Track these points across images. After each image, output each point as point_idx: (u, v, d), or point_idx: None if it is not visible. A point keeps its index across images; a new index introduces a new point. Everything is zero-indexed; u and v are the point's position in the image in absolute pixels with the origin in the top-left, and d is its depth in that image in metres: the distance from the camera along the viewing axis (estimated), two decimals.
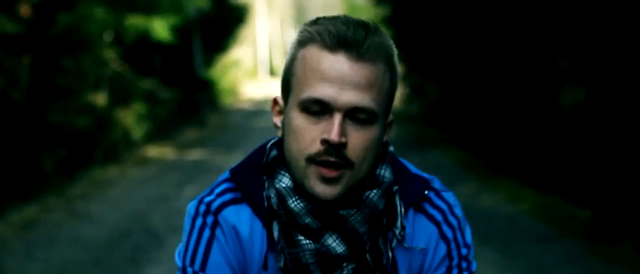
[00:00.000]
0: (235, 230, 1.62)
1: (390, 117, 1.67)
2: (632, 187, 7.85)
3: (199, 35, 20.85)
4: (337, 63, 1.54)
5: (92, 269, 6.54)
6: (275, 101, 1.67)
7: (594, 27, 8.91)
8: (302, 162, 1.57)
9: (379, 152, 1.64)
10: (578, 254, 6.87)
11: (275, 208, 1.61)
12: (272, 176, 1.64)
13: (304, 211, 1.58)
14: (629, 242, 7.02)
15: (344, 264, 1.59)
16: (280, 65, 58.85)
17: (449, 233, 1.67)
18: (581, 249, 7.04)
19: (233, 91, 31.18)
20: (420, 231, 1.66)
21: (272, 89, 37.57)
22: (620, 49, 8.43)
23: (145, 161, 13.84)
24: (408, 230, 1.65)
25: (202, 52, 21.56)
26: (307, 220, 1.58)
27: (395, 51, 1.62)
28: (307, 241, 1.58)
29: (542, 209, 8.64)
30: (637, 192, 7.72)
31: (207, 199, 1.65)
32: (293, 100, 1.59)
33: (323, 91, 1.54)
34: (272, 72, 50.43)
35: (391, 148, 1.70)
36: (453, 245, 1.67)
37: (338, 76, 1.54)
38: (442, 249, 1.67)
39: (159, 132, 16.94)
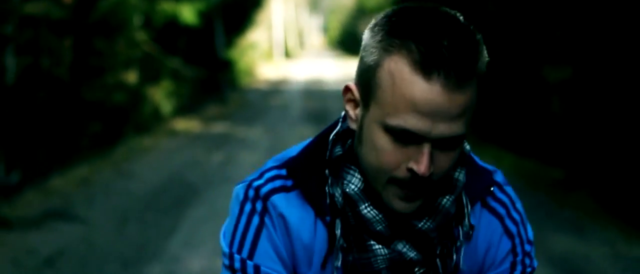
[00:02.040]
0: (284, 219, 1.54)
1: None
2: (600, 151, 9.25)
3: (220, 19, 22.31)
4: (433, 95, 1.37)
5: (145, 212, 8.07)
6: (348, 89, 1.51)
7: (580, 13, 10.25)
8: (383, 179, 1.46)
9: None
10: (543, 202, 8.34)
11: (339, 206, 1.52)
12: (338, 175, 1.54)
13: (376, 218, 1.50)
14: (585, 190, 8.52)
15: (416, 269, 1.54)
16: (294, 47, 60.16)
17: (513, 228, 1.60)
18: (548, 199, 8.51)
19: (250, 72, 32.56)
20: (483, 225, 1.59)
21: (286, 70, 38.96)
22: (602, 32, 9.76)
23: (175, 132, 15.35)
24: (473, 222, 1.58)
25: (223, 34, 23.04)
26: (379, 228, 1.51)
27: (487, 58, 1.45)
28: (379, 246, 1.52)
29: (520, 170, 10.11)
30: (603, 155, 9.13)
31: (256, 183, 1.56)
32: (376, 114, 1.44)
33: (415, 124, 1.39)
34: (287, 54, 51.78)
35: (467, 147, 1.58)
36: (517, 241, 1.60)
37: (433, 110, 1.38)
38: (507, 244, 1.59)
39: (185, 108, 18.45)
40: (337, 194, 1.52)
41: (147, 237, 6.99)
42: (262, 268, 1.54)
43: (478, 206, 1.59)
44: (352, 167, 1.52)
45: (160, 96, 17.05)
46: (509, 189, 1.62)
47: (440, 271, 1.55)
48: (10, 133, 10.34)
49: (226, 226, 1.59)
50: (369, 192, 1.51)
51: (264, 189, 1.54)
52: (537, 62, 11.89)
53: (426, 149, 1.41)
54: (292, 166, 1.56)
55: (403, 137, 1.41)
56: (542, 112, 11.45)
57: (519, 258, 1.60)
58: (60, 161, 11.14)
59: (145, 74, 16.67)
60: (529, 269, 1.61)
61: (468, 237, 1.57)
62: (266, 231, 1.54)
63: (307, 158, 1.57)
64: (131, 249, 6.58)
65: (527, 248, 1.61)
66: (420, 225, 1.51)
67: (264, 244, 1.54)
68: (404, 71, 1.38)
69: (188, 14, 15.72)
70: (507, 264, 1.59)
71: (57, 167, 10.72)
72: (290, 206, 1.55)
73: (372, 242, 1.52)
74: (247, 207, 1.55)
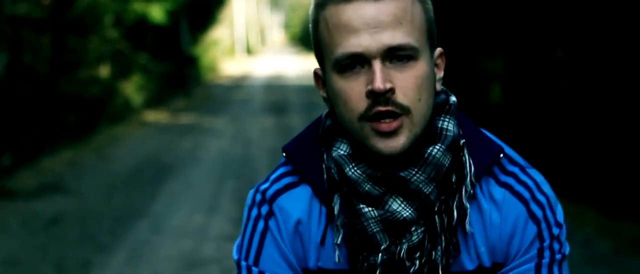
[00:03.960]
0: (291, 219, 1.54)
1: (439, 49, 1.54)
2: (535, 134, 10.65)
3: (185, 17, 23.59)
4: (358, 10, 1.44)
5: (128, 185, 9.39)
6: (316, 74, 1.56)
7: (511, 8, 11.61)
8: (357, 124, 1.46)
9: (439, 103, 1.53)
10: None
11: (336, 178, 1.51)
12: (330, 146, 1.53)
13: (362, 177, 1.48)
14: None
15: (413, 229, 1.47)
16: (255, 44, 61.36)
17: (538, 212, 1.50)
18: None
19: (213, 68, 33.75)
20: (507, 210, 1.51)
21: (248, 66, 40.19)
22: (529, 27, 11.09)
23: (145, 123, 16.63)
24: (487, 205, 1.51)
25: (188, 31, 24.32)
26: (367, 187, 1.47)
27: None
28: (369, 209, 1.47)
29: None
30: (537, 138, 10.53)
31: (263, 186, 1.57)
32: (328, 64, 1.49)
33: (353, 44, 1.43)
34: (249, 51, 52.92)
35: (453, 99, 1.55)
36: (544, 225, 1.50)
37: (362, 22, 1.43)
38: (532, 229, 1.50)
39: (154, 101, 19.72)
40: (332, 166, 1.52)
41: (133, 202, 8.32)
42: None
43: (497, 186, 1.52)
44: (340, 137, 1.53)
45: (131, 90, 18.32)
46: (532, 172, 1.55)
47: (439, 230, 1.48)
48: (1, 121, 11.59)
49: (240, 235, 1.61)
50: (358, 154, 1.50)
51: (270, 192, 1.56)
52: (476, 54, 13.22)
53: (375, 65, 1.43)
54: (290, 151, 1.57)
55: (352, 64, 1.44)
56: (482, 102, 12.83)
57: (546, 243, 1.50)
58: (46, 146, 12.40)
59: (117, 69, 17.94)
60: (558, 256, 1.51)
61: (472, 198, 1.50)
62: (270, 236, 1.54)
63: (303, 139, 1.59)
64: (120, 211, 7.91)
65: (555, 231, 1.51)
66: (407, 176, 1.46)
67: (269, 249, 1.54)
68: (333, 9, 1.46)
69: (157, 13, 17.01)
70: (534, 251, 1.50)
71: (44, 151, 11.98)
72: (297, 204, 1.54)
73: (361, 205, 1.48)
74: (254, 212, 1.56)
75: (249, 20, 57.02)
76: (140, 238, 6.87)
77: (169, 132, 14.95)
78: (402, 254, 1.47)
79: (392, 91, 1.43)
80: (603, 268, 5.75)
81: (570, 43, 9.30)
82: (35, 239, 6.96)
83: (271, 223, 1.54)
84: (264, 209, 1.55)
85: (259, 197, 1.56)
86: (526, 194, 1.51)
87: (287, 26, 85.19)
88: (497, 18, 11.77)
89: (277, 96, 22.37)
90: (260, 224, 1.55)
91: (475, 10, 12.65)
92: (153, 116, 17.69)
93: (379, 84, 1.41)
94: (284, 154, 1.57)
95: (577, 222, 6.82)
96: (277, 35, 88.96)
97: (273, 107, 19.09)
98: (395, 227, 1.47)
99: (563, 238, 1.53)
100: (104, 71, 17.27)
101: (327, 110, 1.59)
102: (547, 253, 1.50)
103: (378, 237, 1.47)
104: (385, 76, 1.43)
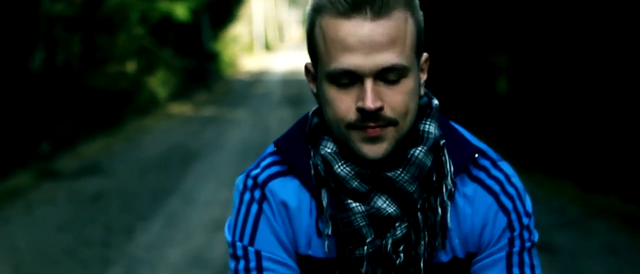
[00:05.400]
0: (282, 203, 1.62)
1: (424, 55, 1.60)
2: (538, 122, 11.52)
3: (207, 14, 24.62)
4: (355, 28, 1.48)
5: (159, 167, 10.41)
6: (307, 69, 1.63)
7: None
8: (344, 129, 1.54)
9: (422, 106, 1.62)
10: None
11: (322, 174, 1.59)
12: (317, 143, 1.62)
13: (350, 175, 1.56)
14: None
15: (397, 224, 1.56)
16: (274, 40, 62.26)
17: (508, 204, 1.60)
18: None
19: (233, 64, 34.66)
20: (478, 203, 1.61)
21: (267, 62, 41.12)
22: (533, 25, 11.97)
23: (170, 115, 17.66)
24: (461, 201, 1.60)
25: (209, 28, 25.35)
26: (355, 184, 1.56)
27: None
28: (356, 204, 1.56)
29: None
30: (540, 126, 11.41)
31: (254, 172, 1.65)
32: (321, 71, 1.55)
33: (347, 61, 1.49)
34: (267, 47, 53.77)
35: (436, 102, 1.64)
36: (513, 216, 1.60)
37: (358, 41, 1.48)
38: (502, 220, 1.60)
39: (177, 94, 20.77)
40: (319, 163, 1.59)
41: (164, 181, 9.34)
42: (263, 253, 1.61)
43: (469, 181, 1.61)
44: (326, 136, 1.60)
45: (156, 84, 19.37)
46: (503, 165, 1.63)
47: (422, 226, 1.56)
48: (39, 113, 12.64)
49: (230, 217, 1.67)
50: (344, 153, 1.57)
51: (261, 177, 1.63)
52: (484, 49, 14.03)
53: (367, 84, 1.48)
54: (281, 145, 1.64)
55: (344, 79, 1.50)
56: (489, 93, 13.67)
57: (517, 232, 1.59)
58: (80, 136, 13.45)
59: (143, 64, 18.98)
60: (528, 244, 1.60)
61: (451, 196, 1.58)
62: (265, 218, 1.62)
63: (292, 135, 1.66)
64: (154, 188, 8.93)
65: (525, 220, 1.60)
66: (393, 176, 1.54)
67: (263, 230, 1.61)
68: (330, 21, 1.50)
69: (181, 11, 18.04)
70: (504, 241, 1.59)
71: (79, 140, 13.03)
72: (288, 190, 1.62)
73: (349, 200, 1.56)
74: (246, 196, 1.63)
75: (267, 17, 57.88)
76: (174, 209, 7.90)
77: (193, 123, 15.97)
78: (388, 248, 1.57)
79: (381, 108, 1.50)
80: (570, 229, 6.71)
81: (562, 43, 10.22)
82: (82, 210, 7.99)
83: (265, 206, 1.62)
84: (257, 193, 1.63)
85: (250, 182, 1.64)
86: (496, 187, 1.61)
87: (304, 23, 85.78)
88: (501, 15, 12.65)
89: (294, 89, 23.27)
90: (254, 207, 1.63)
91: (480, 8, 13.52)
92: (177, 109, 18.72)
93: (369, 103, 1.48)
94: (276, 148, 1.65)
95: (556, 193, 7.79)
96: (295, 31, 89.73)
97: (290, 100, 20.07)
98: (380, 222, 1.56)
99: (532, 226, 1.62)
100: (131, 66, 18.30)
101: (314, 107, 1.68)
102: (517, 242, 1.60)
103: (364, 231, 1.56)
104: (376, 94, 1.49)
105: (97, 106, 15.86)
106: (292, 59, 42.02)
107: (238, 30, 37.28)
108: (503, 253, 1.59)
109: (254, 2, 47.62)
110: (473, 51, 14.15)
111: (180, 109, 18.83)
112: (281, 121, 15.42)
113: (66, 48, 15.66)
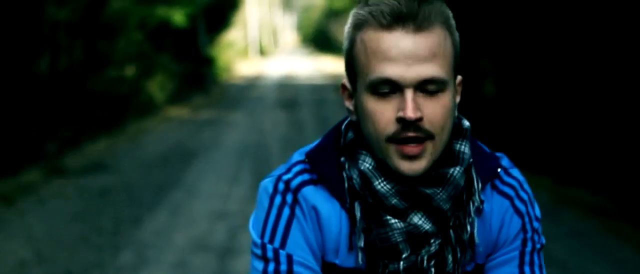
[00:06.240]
0: (314, 209, 1.64)
1: (459, 77, 1.66)
2: (521, 123, 12.15)
3: (203, 20, 25.24)
4: (397, 41, 1.54)
5: (161, 164, 11.03)
6: (343, 86, 1.67)
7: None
8: (383, 144, 1.57)
9: (455, 124, 1.65)
10: None
11: (357, 188, 1.62)
12: (353, 157, 1.64)
13: (391, 192, 1.60)
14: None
15: (431, 240, 1.62)
16: (268, 45, 62.82)
17: (521, 207, 1.69)
18: None
19: (228, 69, 35.12)
20: (495, 207, 1.69)
21: (261, 67, 41.62)
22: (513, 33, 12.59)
23: (169, 118, 18.27)
24: (486, 207, 1.68)
25: (205, 33, 25.97)
26: (394, 201, 1.60)
27: (450, 13, 1.62)
28: (395, 220, 1.60)
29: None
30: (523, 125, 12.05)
31: (286, 176, 1.66)
32: (361, 84, 1.59)
33: (389, 70, 1.54)
34: (262, 52, 54.29)
35: (467, 124, 1.68)
36: (526, 219, 1.69)
37: (400, 53, 1.54)
38: (517, 222, 1.69)
39: (174, 98, 21.38)
40: (354, 176, 1.62)
41: (167, 177, 9.97)
42: (295, 257, 1.63)
43: (488, 188, 1.69)
44: (364, 150, 1.63)
45: (154, 88, 19.98)
46: (515, 172, 1.72)
47: (453, 242, 1.63)
48: (46, 114, 13.24)
49: (255, 218, 1.68)
50: (382, 169, 1.61)
51: (294, 182, 1.65)
52: (473, 53, 14.64)
53: (408, 94, 1.53)
54: (312, 156, 1.67)
55: (385, 88, 1.55)
56: (477, 96, 14.30)
57: (529, 234, 1.69)
58: (84, 136, 14.05)
59: (141, 68, 19.57)
60: (538, 245, 1.70)
61: (479, 212, 1.66)
62: (297, 222, 1.63)
63: (324, 147, 1.69)
64: (158, 183, 9.55)
65: (536, 225, 1.70)
66: (432, 194, 1.59)
67: (295, 234, 1.63)
68: (371, 34, 1.56)
69: (178, 17, 18.67)
70: (518, 241, 1.69)
71: (83, 140, 13.63)
72: (319, 198, 1.64)
73: (388, 217, 1.60)
74: (278, 199, 1.64)
75: (262, 22, 58.40)
76: (178, 201, 8.53)
77: (191, 124, 16.59)
78: (424, 264, 1.62)
79: (420, 119, 1.54)
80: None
81: (542, 49, 10.86)
82: (92, 203, 8.60)
83: (297, 211, 1.63)
84: (289, 197, 1.64)
85: (282, 185, 1.64)
86: (511, 192, 1.69)
87: (299, 28, 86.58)
88: (487, 19, 13.27)
89: (288, 94, 23.86)
90: (286, 211, 1.63)
91: (467, 12, 14.14)
92: (175, 112, 19.34)
93: (410, 113, 1.52)
94: (306, 158, 1.67)
95: (532, 186, 8.40)
96: (289, 36, 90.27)
97: (285, 103, 20.68)
98: (416, 238, 1.61)
99: (541, 230, 1.72)
100: (130, 70, 18.90)
101: (345, 119, 1.71)
102: (529, 243, 1.69)
103: (400, 246, 1.61)
104: (416, 104, 1.53)
105: (98, 108, 16.46)
106: (287, 63, 42.58)
107: (233, 35, 37.76)
108: (516, 252, 1.69)
109: (248, 8, 48.20)
110: (462, 55, 14.71)
111: (178, 112, 19.44)
112: (276, 123, 16.05)
113: (69, 52, 16.24)
